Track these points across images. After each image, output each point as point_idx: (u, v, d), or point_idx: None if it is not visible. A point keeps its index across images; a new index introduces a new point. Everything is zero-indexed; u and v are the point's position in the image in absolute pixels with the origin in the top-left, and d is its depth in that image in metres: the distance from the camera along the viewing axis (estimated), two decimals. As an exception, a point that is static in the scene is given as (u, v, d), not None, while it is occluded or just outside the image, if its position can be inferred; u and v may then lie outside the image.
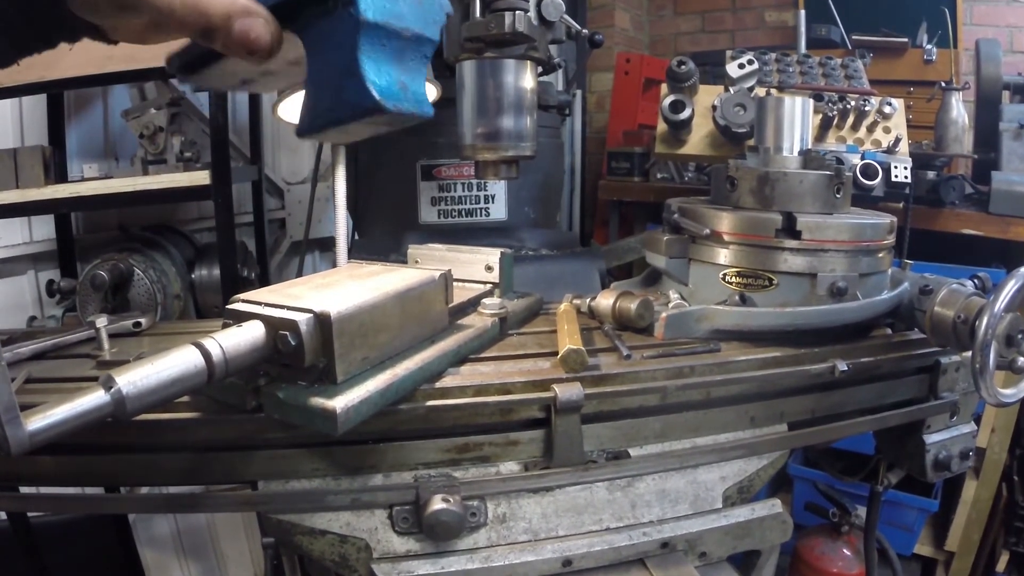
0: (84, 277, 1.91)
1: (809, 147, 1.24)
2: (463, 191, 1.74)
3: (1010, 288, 1.00)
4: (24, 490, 1.09)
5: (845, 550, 2.37)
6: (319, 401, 0.80)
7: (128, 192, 1.88)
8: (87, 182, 1.99)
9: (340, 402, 0.79)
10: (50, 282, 2.18)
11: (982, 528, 2.55)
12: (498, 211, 1.76)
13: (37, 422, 0.63)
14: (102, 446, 0.95)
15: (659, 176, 3.17)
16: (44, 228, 2.38)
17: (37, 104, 2.30)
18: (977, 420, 2.34)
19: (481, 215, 1.75)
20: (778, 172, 1.18)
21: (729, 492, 1.09)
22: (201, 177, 1.82)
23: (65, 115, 2.33)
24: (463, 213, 1.75)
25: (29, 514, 2.20)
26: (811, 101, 1.25)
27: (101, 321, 1.17)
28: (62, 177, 2.16)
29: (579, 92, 3.62)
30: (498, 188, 1.74)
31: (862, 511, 2.11)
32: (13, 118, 2.28)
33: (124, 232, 2.23)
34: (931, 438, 1.28)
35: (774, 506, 1.10)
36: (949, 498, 2.67)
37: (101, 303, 1.89)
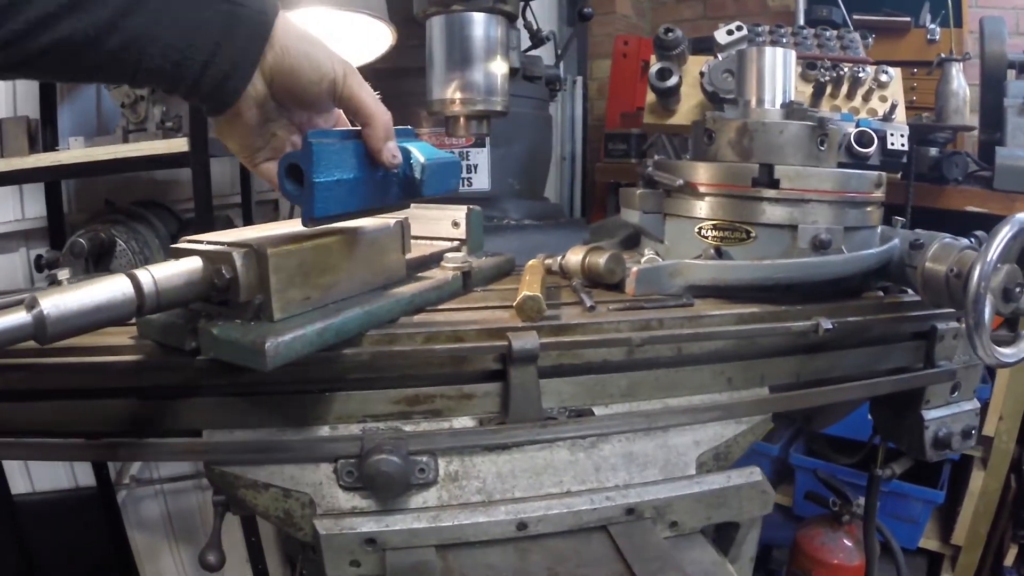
0: (66, 247, 1.88)
1: (792, 99, 1.18)
2: (444, 160, 1.71)
3: (1004, 235, 0.92)
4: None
5: (846, 540, 2.30)
6: (250, 336, 0.76)
7: (108, 160, 1.86)
8: (69, 152, 1.97)
9: (271, 337, 0.75)
10: (38, 257, 2.17)
11: (990, 521, 2.47)
12: (481, 181, 1.73)
13: None
14: (44, 392, 0.92)
15: (658, 158, 3.10)
16: (35, 206, 2.38)
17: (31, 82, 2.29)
18: (985, 407, 2.30)
19: (464, 185, 1.72)
20: (757, 123, 1.13)
21: (704, 458, 1.03)
22: (179, 144, 1.79)
23: (58, 94, 2.32)
24: (445, 182, 1.72)
25: (12, 492, 2.19)
26: (793, 53, 1.20)
27: (64, 274, 1.14)
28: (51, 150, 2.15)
29: (580, 78, 3.59)
30: (481, 158, 1.71)
31: (864, 501, 2.05)
32: (7, 94, 2.28)
33: (110, 206, 2.21)
34: (930, 414, 1.21)
35: (752, 473, 1.02)
36: (956, 490, 2.58)
37: (83, 271, 1.87)
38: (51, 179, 2.24)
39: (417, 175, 0.89)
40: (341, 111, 0.89)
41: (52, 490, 2.45)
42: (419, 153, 0.89)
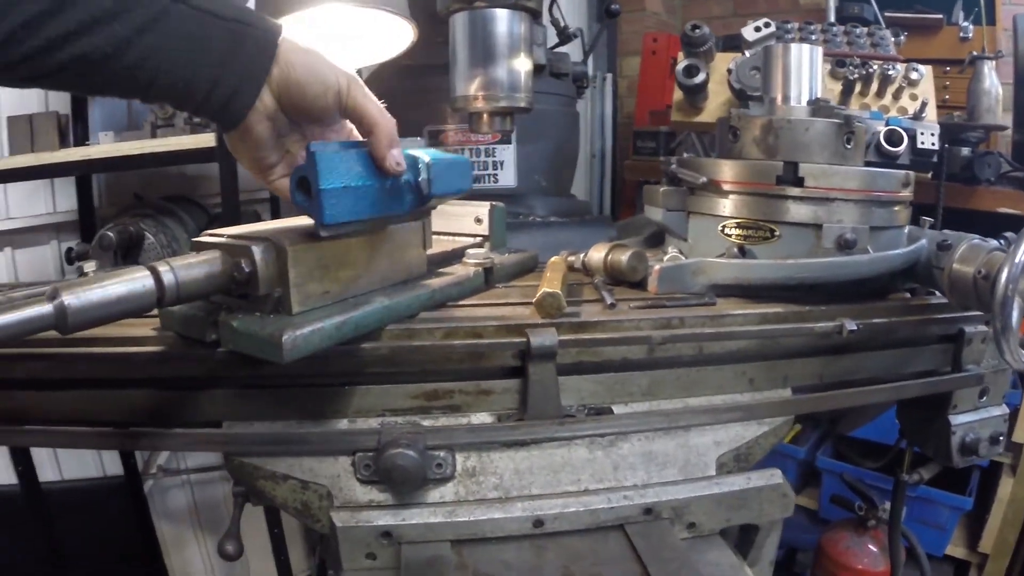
0: (95, 240, 1.91)
1: (819, 96, 1.16)
2: (471, 157, 1.71)
3: (1034, 234, 0.90)
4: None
5: (871, 546, 2.27)
6: (268, 329, 0.77)
7: (137, 155, 1.88)
8: (98, 147, 2.00)
9: (289, 330, 0.76)
10: (68, 249, 2.20)
11: (1019, 529, 2.42)
12: (507, 178, 1.71)
13: None
14: (68, 381, 0.93)
15: (685, 155, 3.08)
16: (67, 199, 2.42)
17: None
18: (1015, 413, 2.25)
19: (489, 181, 1.71)
20: (782, 120, 1.11)
21: (724, 459, 1.02)
22: (207, 140, 1.81)
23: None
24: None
25: (41, 479, 2.22)
26: (820, 49, 1.18)
27: (91, 266, 1.15)
28: (82, 145, 2.18)
29: (610, 76, 3.57)
30: (507, 154, 1.70)
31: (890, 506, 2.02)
32: (38, 91, 2.30)
33: (139, 199, 2.23)
34: (957, 419, 1.19)
35: (773, 476, 1.01)
36: (984, 496, 2.53)
37: (111, 265, 1.89)
38: (81, 173, 2.27)
39: (424, 175, 0.89)
40: (352, 125, 0.91)
41: (80, 478, 2.49)
42: (425, 156, 0.90)
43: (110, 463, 2.52)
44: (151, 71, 0.72)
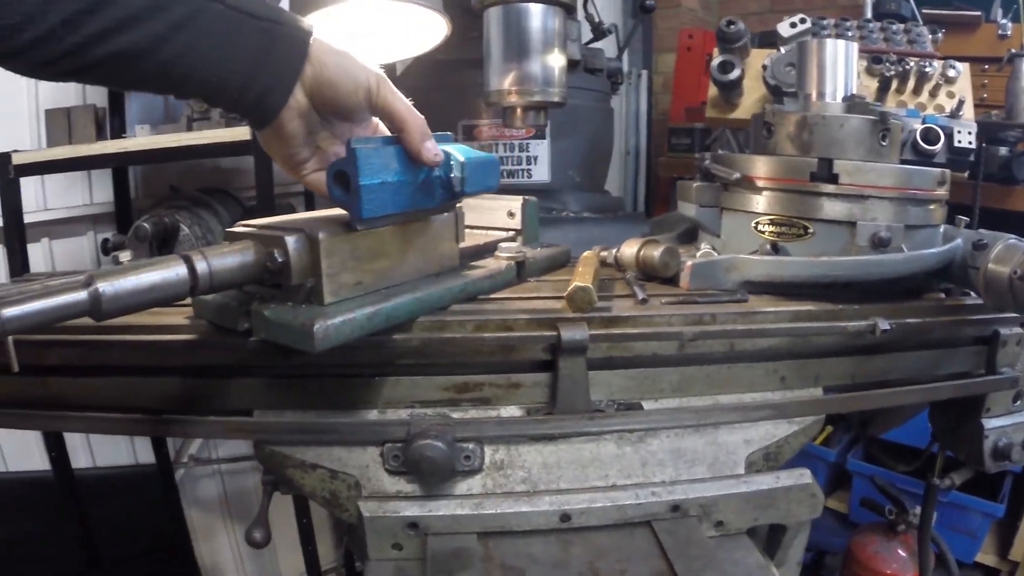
0: (131, 231, 1.93)
1: (854, 93, 1.15)
2: (505, 152, 1.71)
3: (1072, 238, 0.89)
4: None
5: (900, 551, 2.23)
6: (300, 319, 0.78)
7: (173, 148, 1.90)
8: (135, 139, 2.03)
9: (320, 319, 0.76)
10: (105, 240, 2.23)
11: (1052, 537, 2.38)
12: (541, 173, 1.72)
13: (12, 311, 0.63)
14: (102, 367, 0.95)
15: (720, 152, 3.05)
16: (103, 191, 2.45)
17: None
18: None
19: (523, 176, 1.72)
20: (817, 116, 1.10)
21: (754, 458, 1.02)
22: (242, 133, 1.82)
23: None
24: (505, 174, 1.72)
25: (74, 466, 2.26)
26: (855, 45, 1.17)
27: (126, 256, 1.17)
28: (118, 138, 2.21)
29: (645, 72, 3.55)
30: (541, 150, 1.71)
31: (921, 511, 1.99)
32: (76, 84, 2.35)
33: (174, 191, 2.26)
34: (991, 423, 1.17)
35: (802, 475, 1.00)
36: (1017, 503, 2.49)
37: (147, 255, 1.91)
38: (117, 165, 2.30)
39: (457, 174, 0.90)
40: (379, 122, 0.93)
41: (113, 466, 2.53)
42: (458, 154, 0.91)
43: (142, 451, 2.55)
44: (186, 68, 0.73)
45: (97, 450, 2.49)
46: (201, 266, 0.75)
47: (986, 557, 2.53)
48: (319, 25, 0.84)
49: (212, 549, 2.76)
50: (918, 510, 2.07)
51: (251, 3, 0.77)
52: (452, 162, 0.90)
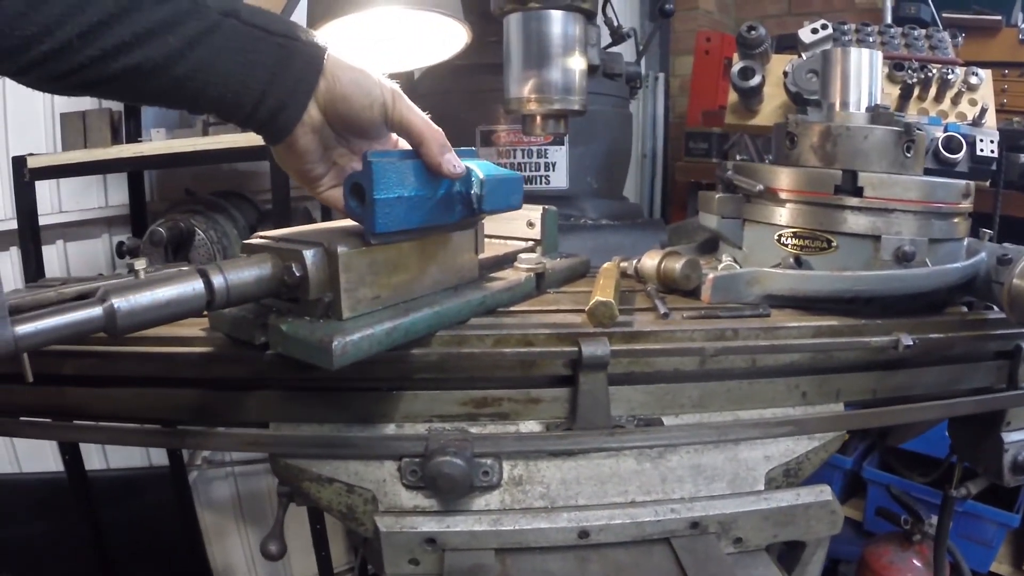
0: (146, 236, 1.94)
1: (878, 103, 1.13)
2: (523, 158, 1.70)
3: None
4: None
5: (915, 561, 2.21)
6: (318, 334, 0.77)
7: (188, 152, 1.91)
8: (150, 144, 2.04)
9: (338, 335, 0.75)
10: (120, 243, 2.24)
11: (1068, 548, 2.35)
12: (559, 179, 1.70)
13: (26, 327, 0.62)
14: (118, 378, 0.95)
15: (738, 157, 3.03)
16: (118, 194, 2.46)
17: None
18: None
19: (541, 183, 1.70)
20: (841, 127, 1.08)
21: (774, 474, 1.00)
22: (258, 137, 1.81)
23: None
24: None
25: (87, 467, 2.27)
26: (880, 54, 1.15)
27: (140, 263, 1.17)
28: (134, 142, 2.21)
29: (662, 75, 3.54)
30: (559, 156, 1.69)
31: (936, 521, 1.97)
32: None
33: (190, 195, 2.26)
34: (1011, 436, 1.14)
35: (822, 492, 0.99)
36: (1033, 513, 2.47)
37: (162, 260, 1.92)
38: (132, 169, 2.31)
39: (477, 191, 0.89)
40: (398, 139, 0.92)
41: (126, 467, 2.54)
42: (479, 170, 0.90)
43: (156, 453, 2.56)
44: (200, 83, 0.73)
45: (110, 451, 2.51)
46: (218, 280, 0.74)
47: (1001, 567, 2.51)
48: (339, 33, 0.83)
49: (224, 550, 2.77)
50: (933, 520, 2.06)
51: (266, 19, 0.77)
52: (473, 178, 0.89)
